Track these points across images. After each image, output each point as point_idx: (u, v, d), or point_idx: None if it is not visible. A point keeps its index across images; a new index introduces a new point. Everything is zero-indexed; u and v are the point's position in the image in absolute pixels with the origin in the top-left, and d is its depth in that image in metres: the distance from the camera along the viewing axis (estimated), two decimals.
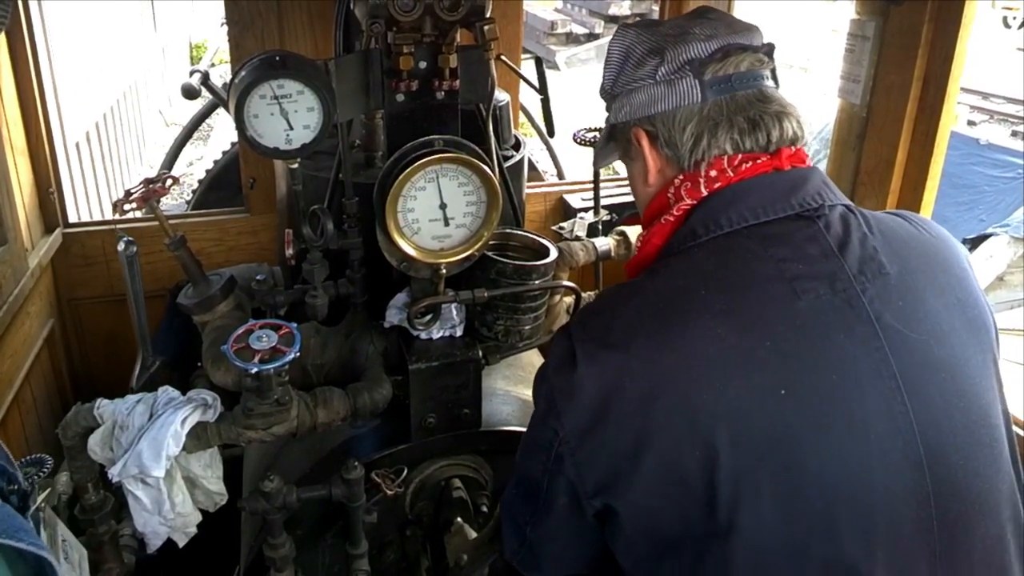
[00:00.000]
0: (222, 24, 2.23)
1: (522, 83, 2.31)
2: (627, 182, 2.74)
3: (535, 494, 1.05)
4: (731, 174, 1.01)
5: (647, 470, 0.91)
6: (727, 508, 0.87)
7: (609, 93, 1.15)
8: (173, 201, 4.83)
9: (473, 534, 1.45)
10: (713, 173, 1.02)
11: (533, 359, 1.97)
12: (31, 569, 0.71)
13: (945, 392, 0.93)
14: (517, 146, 1.96)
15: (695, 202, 1.03)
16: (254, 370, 1.29)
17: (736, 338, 0.90)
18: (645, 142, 1.09)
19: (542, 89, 2.06)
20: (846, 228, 0.99)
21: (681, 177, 1.05)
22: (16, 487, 0.79)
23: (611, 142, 1.21)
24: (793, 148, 1.04)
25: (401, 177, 1.35)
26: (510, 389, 1.74)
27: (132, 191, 1.62)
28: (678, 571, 0.94)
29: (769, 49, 1.09)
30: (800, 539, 0.88)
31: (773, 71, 1.08)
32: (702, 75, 1.03)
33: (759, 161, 1.02)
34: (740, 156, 1.02)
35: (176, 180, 1.69)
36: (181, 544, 1.36)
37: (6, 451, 0.82)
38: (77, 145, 5.13)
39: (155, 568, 1.59)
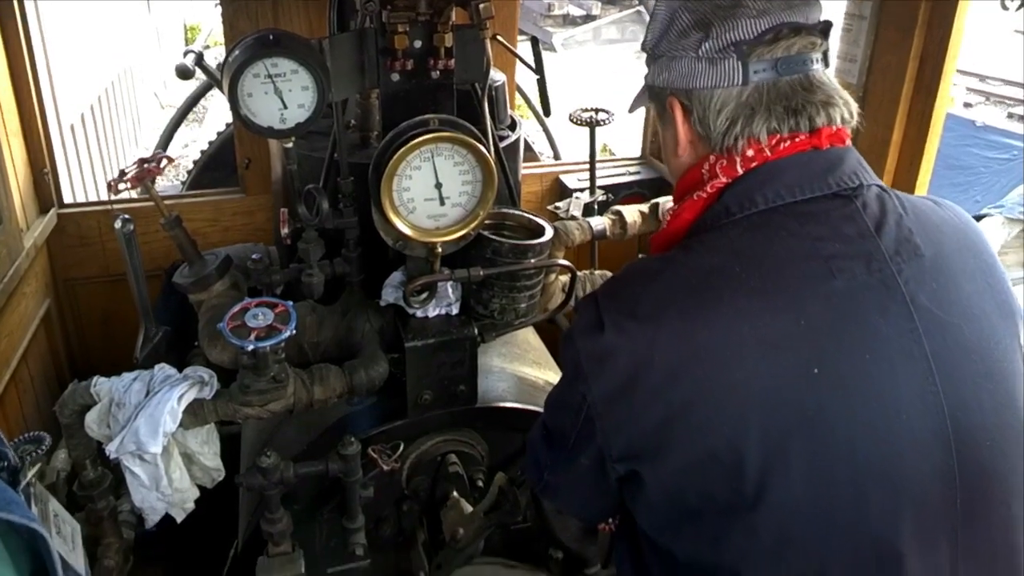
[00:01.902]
0: (216, 5, 2.21)
1: (519, 64, 2.29)
2: (623, 162, 2.77)
3: (560, 445, 1.05)
4: (768, 153, 0.99)
5: (674, 443, 0.91)
6: (755, 483, 0.88)
7: (651, 53, 1.11)
8: (168, 183, 4.81)
9: (469, 508, 1.46)
10: (750, 153, 1.00)
11: (529, 337, 1.98)
12: (23, 542, 0.71)
13: (975, 374, 0.93)
14: (513, 126, 1.96)
15: (730, 180, 1.01)
16: (250, 348, 1.29)
17: (770, 316, 0.90)
18: (679, 114, 1.06)
19: (538, 69, 2.05)
20: (882, 209, 0.98)
21: (716, 155, 1.03)
22: (6, 463, 0.80)
23: (647, 96, 1.18)
24: (834, 128, 1.01)
25: (396, 156, 1.35)
26: (506, 366, 1.75)
27: (127, 171, 1.61)
28: (699, 537, 0.95)
29: (825, 27, 1.04)
30: (828, 513, 0.88)
31: (825, 53, 1.04)
32: (747, 58, 0.99)
33: (797, 140, 0.99)
34: (778, 136, 0.99)
35: (171, 160, 1.68)
36: (179, 519, 1.37)
37: None
38: (72, 128, 5.10)
39: (155, 543, 1.60)
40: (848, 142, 1.03)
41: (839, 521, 0.88)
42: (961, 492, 0.90)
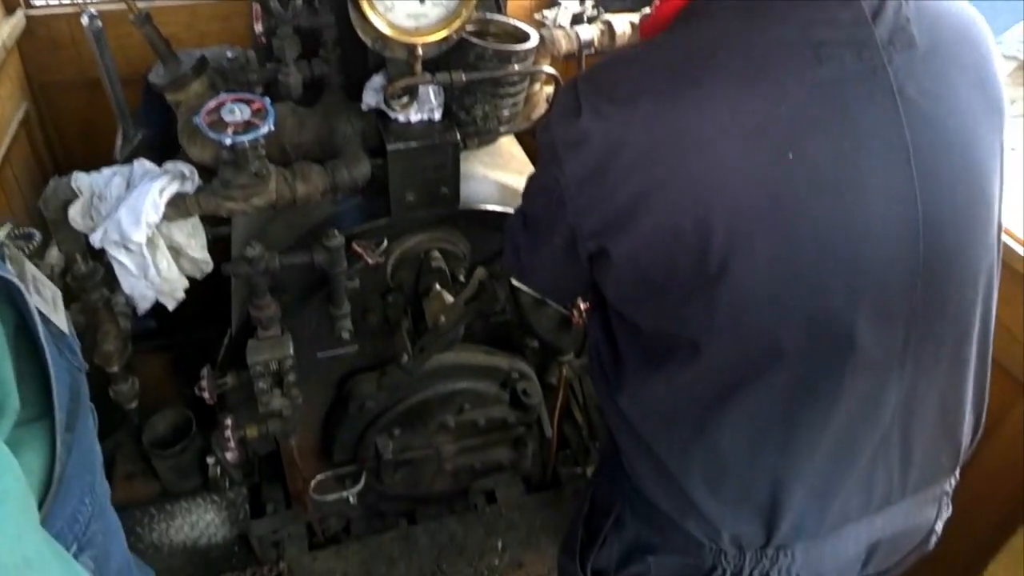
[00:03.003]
0: None
1: None
2: None
3: (535, 228, 1.04)
4: None
5: (643, 223, 0.89)
6: (718, 262, 0.86)
7: None
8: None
9: (451, 299, 1.48)
10: None
11: (512, 148, 1.92)
12: (2, 294, 0.70)
13: (953, 168, 0.90)
14: None
15: None
16: (228, 141, 1.24)
17: (749, 101, 0.84)
18: None
19: None
20: None
21: None
22: None
23: None
24: None
25: None
26: (488, 174, 1.71)
27: None
28: (662, 310, 0.95)
29: None
30: (787, 292, 0.88)
31: None
32: None
33: None
34: None
35: None
36: (171, 307, 1.37)
37: None
38: None
39: (155, 335, 1.65)
40: None
41: (797, 301, 0.88)
42: (923, 279, 0.90)
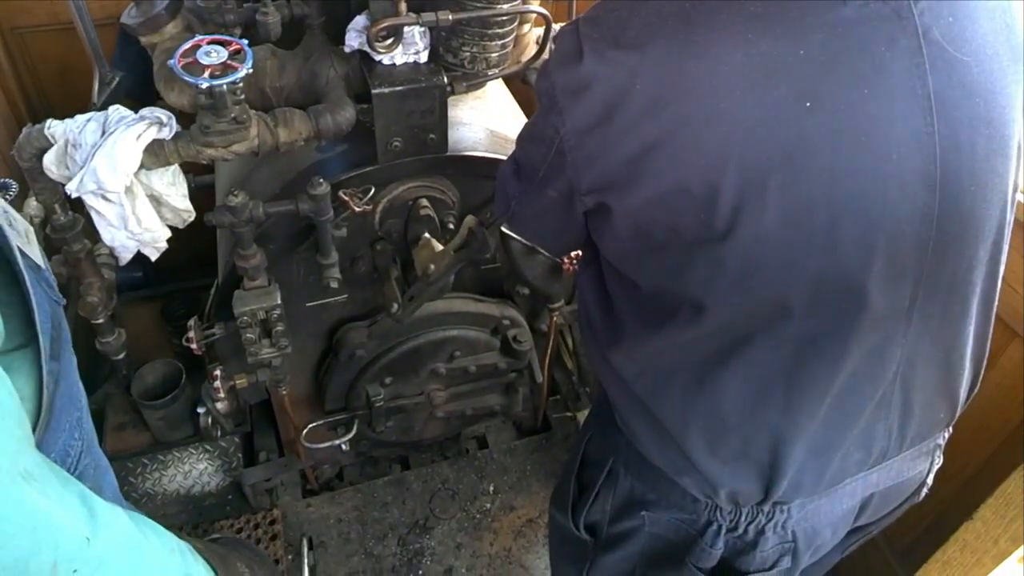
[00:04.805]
0: None
1: None
2: None
3: (529, 177, 0.98)
4: None
5: (649, 176, 0.83)
6: (727, 217, 0.81)
7: None
8: None
9: (440, 247, 1.43)
10: None
11: (501, 93, 1.85)
12: None
13: (974, 118, 0.83)
14: None
15: None
16: (205, 85, 1.17)
17: (768, 44, 0.77)
18: None
19: None
20: None
21: None
22: None
23: None
24: None
25: None
26: (476, 120, 1.64)
27: None
28: (663, 269, 0.90)
29: None
30: (798, 246, 0.82)
31: None
32: None
33: None
34: None
35: None
36: (153, 258, 1.32)
37: None
38: None
39: (143, 286, 1.59)
40: None
41: (809, 257, 0.83)
42: (936, 234, 0.85)
